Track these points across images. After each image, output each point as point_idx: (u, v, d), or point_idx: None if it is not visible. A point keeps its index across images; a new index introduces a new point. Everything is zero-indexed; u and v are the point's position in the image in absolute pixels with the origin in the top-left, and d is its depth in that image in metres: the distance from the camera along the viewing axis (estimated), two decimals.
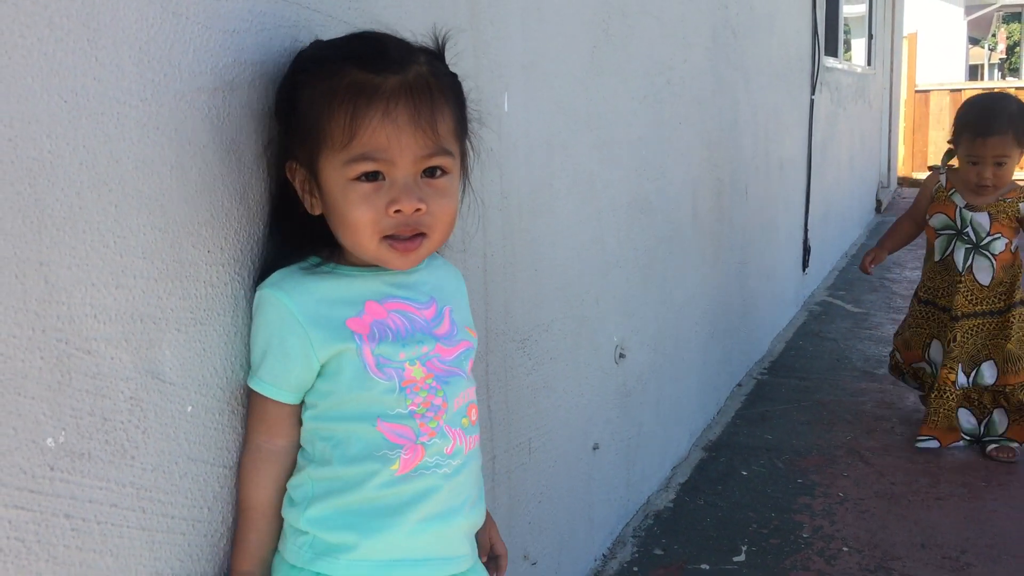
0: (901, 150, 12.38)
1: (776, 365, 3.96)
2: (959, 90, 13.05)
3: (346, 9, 1.25)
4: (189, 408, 1.01)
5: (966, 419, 2.99)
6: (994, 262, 2.88)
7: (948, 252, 2.93)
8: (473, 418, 1.14)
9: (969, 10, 21.57)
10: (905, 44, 10.82)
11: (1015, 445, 2.90)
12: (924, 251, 3.09)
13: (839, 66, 6.07)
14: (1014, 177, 2.97)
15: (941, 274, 2.96)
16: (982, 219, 2.87)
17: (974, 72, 25.80)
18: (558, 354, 1.98)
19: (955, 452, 2.96)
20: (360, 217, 1.02)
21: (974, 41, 25.50)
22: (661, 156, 2.59)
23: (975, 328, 2.91)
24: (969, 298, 2.89)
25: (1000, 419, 2.93)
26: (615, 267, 2.28)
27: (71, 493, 0.88)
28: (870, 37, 8.46)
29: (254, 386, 1.06)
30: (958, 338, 2.89)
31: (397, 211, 1.01)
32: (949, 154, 3.00)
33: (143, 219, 0.94)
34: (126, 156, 0.92)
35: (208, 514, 1.05)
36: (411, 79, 1.02)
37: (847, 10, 7.25)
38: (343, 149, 1.01)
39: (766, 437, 3.13)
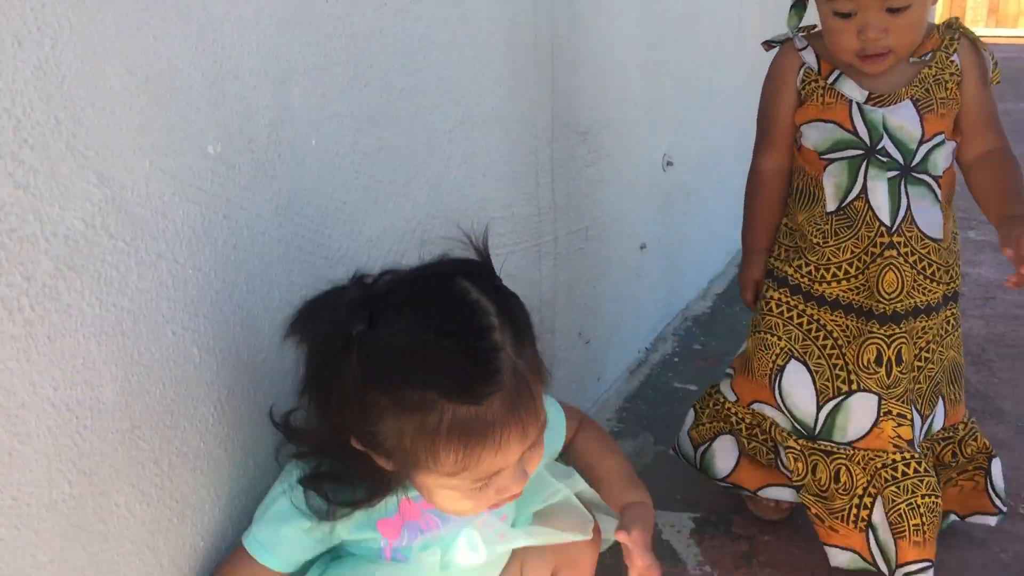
0: (939, 5, 12.07)
1: None
2: None
3: None
4: (313, 142, 1.15)
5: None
6: (939, 191, 1.49)
7: (855, 192, 1.48)
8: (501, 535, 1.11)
9: None
10: None
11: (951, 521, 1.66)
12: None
13: None
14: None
15: (837, 235, 1.50)
16: (904, 116, 1.46)
17: None
18: (613, 152, 2.10)
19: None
20: (467, 510, 1.01)
21: None
22: None
23: (928, 333, 1.52)
24: (926, 274, 1.49)
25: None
26: (666, 77, 2.38)
27: (227, 196, 1.03)
28: None
29: (254, 553, 1.05)
30: (904, 355, 1.49)
31: (500, 495, 1.00)
32: (799, 5, 1.58)
33: None
34: None
35: (328, 240, 1.21)
36: (510, 388, 0.92)
37: None
38: (452, 476, 0.95)
39: None
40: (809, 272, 1.53)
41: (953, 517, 1.66)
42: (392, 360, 0.92)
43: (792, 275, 1.56)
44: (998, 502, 1.62)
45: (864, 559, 1.53)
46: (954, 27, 1.52)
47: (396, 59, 1.30)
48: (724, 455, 1.67)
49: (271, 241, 1.10)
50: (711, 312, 2.77)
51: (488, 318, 0.94)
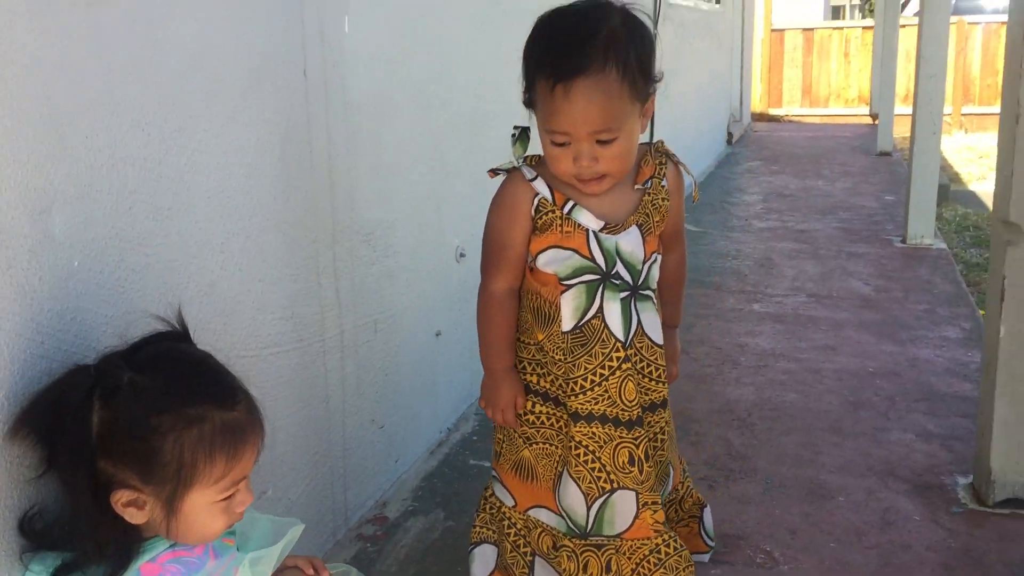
0: (759, 87, 13.07)
1: None
2: (812, 29, 13.79)
3: None
4: (76, 263, 1.26)
5: None
6: (656, 301, 1.71)
7: (592, 312, 1.63)
8: None
9: None
10: None
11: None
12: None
13: (683, 3, 6.46)
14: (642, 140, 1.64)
15: (573, 352, 1.64)
16: (632, 241, 1.64)
17: (836, 12, 26.81)
18: (401, 249, 2.27)
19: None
20: (219, 527, 1.22)
21: None
22: (500, 79, 2.88)
23: (658, 423, 1.72)
24: (652, 377, 1.69)
25: None
26: (455, 176, 2.58)
27: None
28: None
29: None
30: (650, 452, 1.67)
31: (239, 507, 1.24)
32: (523, 136, 1.68)
33: (33, 111, 1.18)
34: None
35: (97, 354, 1.30)
36: (245, 403, 1.22)
37: None
38: (218, 482, 1.17)
39: None
40: (560, 385, 1.65)
41: None
42: (168, 389, 1.16)
43: (550, 388, 1.67)
44: (709, 541, 1.97)
45: None
46: (661, 151, 1.69)
47: (163, 183, 1.43)
48: (481, 563, 1.80)
49: (33, 358, 1.19)
50: None
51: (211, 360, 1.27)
